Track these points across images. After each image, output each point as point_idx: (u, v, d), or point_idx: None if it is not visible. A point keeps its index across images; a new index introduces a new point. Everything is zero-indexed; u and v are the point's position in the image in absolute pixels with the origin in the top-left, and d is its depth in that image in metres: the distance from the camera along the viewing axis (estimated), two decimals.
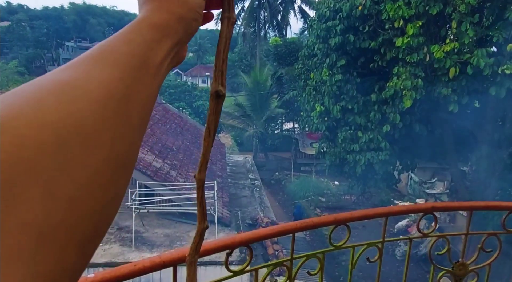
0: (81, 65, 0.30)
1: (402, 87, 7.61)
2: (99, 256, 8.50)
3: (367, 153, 8.47)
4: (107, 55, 0.32)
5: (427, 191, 17.28)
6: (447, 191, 16.04)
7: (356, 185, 9.95)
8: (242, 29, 30.83)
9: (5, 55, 47.82)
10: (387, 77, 8.30)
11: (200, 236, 0.62)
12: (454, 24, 6.85)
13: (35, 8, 65.90)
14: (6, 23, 55.55)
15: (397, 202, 17.36)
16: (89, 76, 0.29)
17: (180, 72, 56.36)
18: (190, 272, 0.63)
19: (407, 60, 7.54)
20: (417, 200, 16.74)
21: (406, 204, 17.08)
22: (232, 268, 1.42)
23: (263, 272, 1.57)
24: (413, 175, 17.27)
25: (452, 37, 7.02)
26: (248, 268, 1.51)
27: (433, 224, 1.96)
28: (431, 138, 9.36)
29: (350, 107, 8.69)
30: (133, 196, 9.22)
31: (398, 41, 7.51)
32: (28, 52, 51.33)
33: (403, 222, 15.06)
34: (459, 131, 9.21)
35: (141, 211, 9.36)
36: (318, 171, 20.07)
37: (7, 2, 75.16)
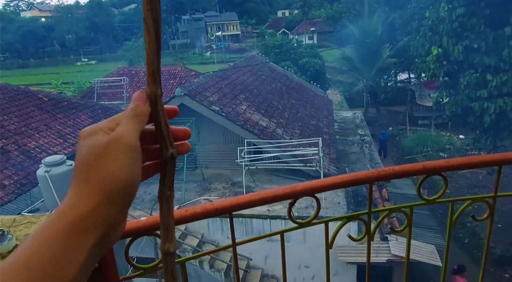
0: None
1: None
2: None
3: (498, 98, 7.07)
4: (20, 274, 0.36)
5: None
6: None
7: (483, 137, 8.54)
8: None
9: (135, 35, 54.27)
10: None
11: (164, 166, 0.51)
12: None
13: None
14: (133, 6, 62.58)
15: None
16: None
17: (287, 31, 55.71)
18: (163, 209, 0.54)
19: None
20: None
21: None
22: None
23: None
24: None
25: None
26: (316, 220, 1.38)
27: None
28: None
29: (475, 46, 7.25)
30: (242, 154, 9.73)
31: None
32: None
33: None
34: None
35: (250, 167, 9.86)
36: (439, 124, 17.97)
37: None
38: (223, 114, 10.21)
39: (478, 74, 7.32)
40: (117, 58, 45.30)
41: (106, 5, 66.03)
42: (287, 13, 75.73)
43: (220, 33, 58.27)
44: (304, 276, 8.71)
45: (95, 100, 19.56)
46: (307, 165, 9.45)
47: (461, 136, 16.32)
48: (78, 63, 53.49)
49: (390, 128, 19.78)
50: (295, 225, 1.37)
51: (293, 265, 8.28)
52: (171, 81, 22.18)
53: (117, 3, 77.50)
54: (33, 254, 0.37)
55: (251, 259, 8.66)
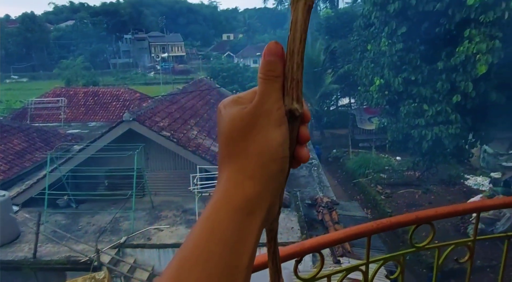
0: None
1: (475, 52, 6.80)
2: (167, 237, 8.98)
3: (435, 127, 7.79)
4: (197, 265, 0.34)
5: (504, 163, 15.74)
6: None
7: (422, 161, 9.30)
8: None
9: (72, 53, 51.56)
10: (456, 42, 7.46)
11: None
12: None
13: (94, 5, 69.71)
14: (71, 22, 59.74)
15: (468, 177, 16.06)
16: None
17: (232, 54, 56.69)
18: None
19: (481, 20, 6.69)
20: (492, 174, 15.35)
21: (481, 180, 15.74)
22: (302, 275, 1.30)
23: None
24: (487, 147, 15.77)
25: None
26: (320, 274, 1.38)
27: None
28: (510, 106, 8.38)
29: (413, 78, 7.99)
30: (195, 180, 9.51)
31: None
32: (92, 48, 54.88)
33: (477, 198, 13.98)
34: None
35: (203, 194, 9.66)
36: (378, 147, 19.20)
37: (70, 1, 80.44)
38: (174, 140, 9.97)
39: (416, 104, 8.04)
40: (52, 77, 42.61)
41: (41, 20, 62.24)
42: (231, 36, 77.36)
43: (166, 54, 57.59)
44: None
45: (28, 122, 18.07)
46: None
47: (398, 158, 17.55)
48: (7, 81, 49.29)
49: (334, 150, 20.71)
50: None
51: None
52: (115, 103, 21.25)
53: (52, 19, 73.50)
54: (209, 242, 0.35)
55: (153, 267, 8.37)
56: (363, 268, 1.46)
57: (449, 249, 1.58)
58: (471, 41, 6.89)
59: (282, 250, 1.27)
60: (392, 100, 8.57)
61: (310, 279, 1.34)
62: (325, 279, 1.41)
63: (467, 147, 8.74)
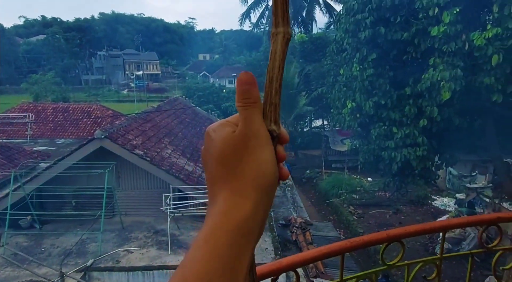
0: None
1: (439, 79, 7.22)
2: (137, 260, 8.67)
3: (403, 149, 8.11)
4: None
5: (467, 185, 16.42)
6: (490, 184, 15.15)
7: (392, 182, 9.59)
8: (267, 28, 30.71)
9: (43, 67, 50.19)
10: (422, 69, 7.91)
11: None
12: (495, 8, 6.40)
13: (67, 20, 68.47)
14: (42, 37, 58.39)
15: (435, 197, 16.64)
16: None
17: (207, 74, 57.00)
18: None
19: (444, 50, 7.15)
20: (457, 195, 15.96)
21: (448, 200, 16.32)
22: None
23: None
24: (451, 169, 16.46)
25: (493, 22, 6.56)
26: None
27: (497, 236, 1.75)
28: (472, 131, 8.87)
29: (383, 102, 8.35)
30: (168, 200, 9.32)
31: (434, 31, 7.12)
32: (64, 63, 53.69)
33: (443, 218, 14.45)
34: (503, 121, 8.66)
35: (175, 214, 9.46)
36: (350, 168, 19.61)
37: (42, 16, 79.00)
38: (147, 158, 9.80)
39: (386, 127, 8.37)
40: (20, 91, 41.11)
41: (10, 33, 60.54)
42: (208, 57, 77.93)
43: (141, 72, 57.10)
44: None
45: None
46: None
47: (369, 178, 17.97)
48: None
49: (308, 171, 20.96)
50: None
51: None
52: (85, 120, 20.67)
53: (22, 32, 71.68)
54: (209, 262, 0.36)
55: None
56: None
57: (418, 266, 1.65)
58: (435, 69, 7.33)
59: (259, 269, 1.28)
60: (364, 123, 8.89)
61: None
62: None
63: (433, 168, 9.12)
